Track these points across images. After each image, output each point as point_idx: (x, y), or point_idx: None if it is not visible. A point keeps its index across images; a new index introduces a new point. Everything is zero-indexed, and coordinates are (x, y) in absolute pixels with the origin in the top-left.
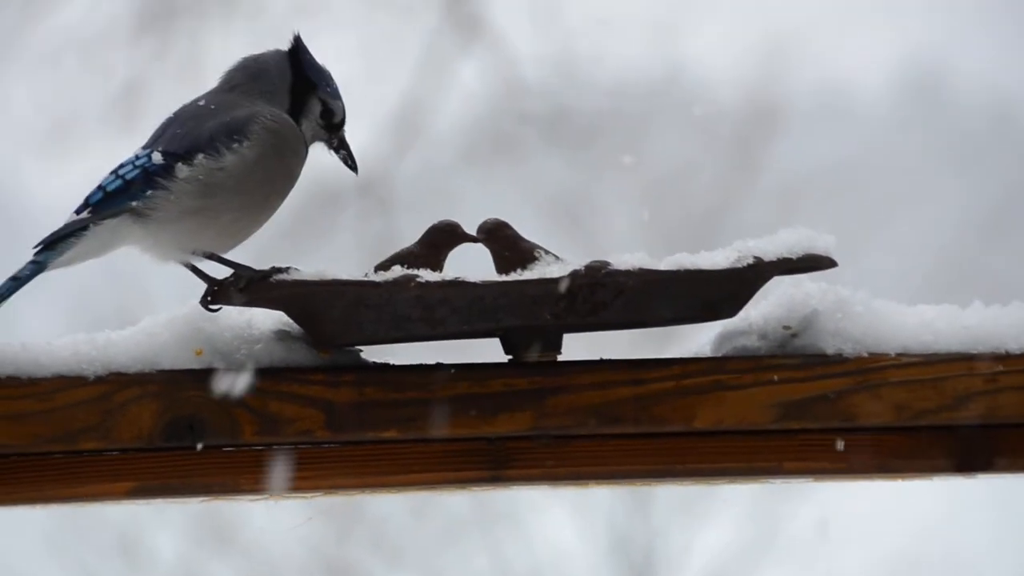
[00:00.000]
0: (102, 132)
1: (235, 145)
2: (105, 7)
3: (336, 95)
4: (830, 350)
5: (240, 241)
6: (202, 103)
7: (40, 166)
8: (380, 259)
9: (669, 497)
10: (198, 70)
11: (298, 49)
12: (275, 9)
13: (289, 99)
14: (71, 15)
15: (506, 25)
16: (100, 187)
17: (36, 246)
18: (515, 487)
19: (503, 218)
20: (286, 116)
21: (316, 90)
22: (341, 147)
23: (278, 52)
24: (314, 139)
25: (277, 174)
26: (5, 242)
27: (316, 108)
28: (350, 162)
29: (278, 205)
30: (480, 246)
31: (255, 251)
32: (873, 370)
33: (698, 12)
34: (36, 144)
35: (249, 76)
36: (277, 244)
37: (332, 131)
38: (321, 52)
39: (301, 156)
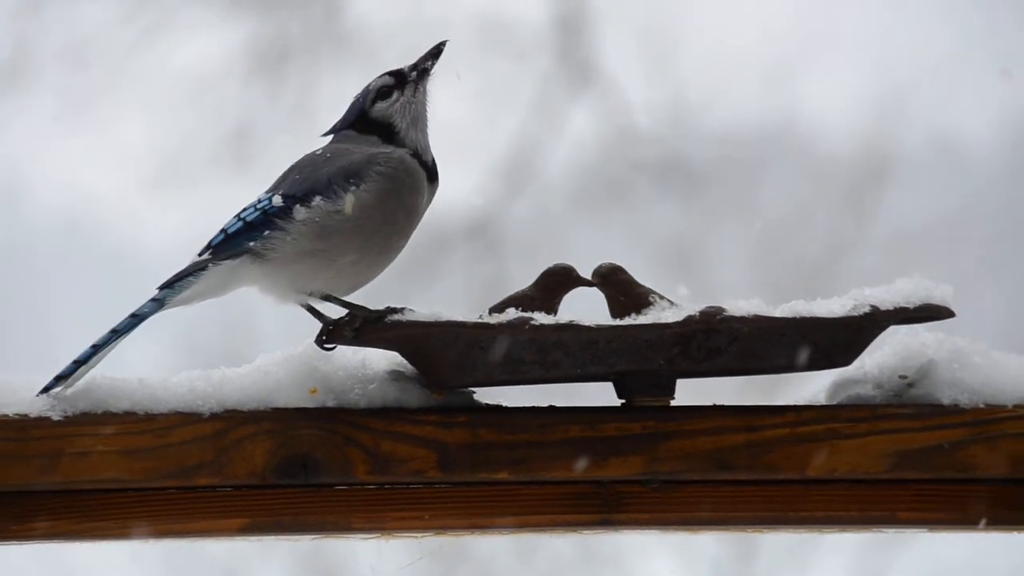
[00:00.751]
0: (213, 173)
1: (352, 188)
2: (220, 48)
3: (368, 88)
4: (946, 400)
5: (362, 284)
6: (319, 152)
7: (151, 204)
8: (489, 302)
9: (775, 544)
10: (310, 112)
11: (332, 131)
12: (387, 53)
13: (374, 136)
14: (186, 55)
15: (618, 71)
16: (222, 230)
17: (161, 286)
18: (625, 531)
19: (615, 263)
20: (402, 154)
21: (364, 112)
22: (417, 69)
23: (342, 119)
24: (412, 105)
25: (397, 214)
26: (117, 279)
27: (379, 107)
28: (433, 51)
29: (401, 245)
30: (595, 290)
31: (367, 292)
32: (990, 421)
33: (811, 59)
34: (148, 182)
35: (347, 137)
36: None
37: (405, 82)
38: (433, 95)
39: (422, 190)
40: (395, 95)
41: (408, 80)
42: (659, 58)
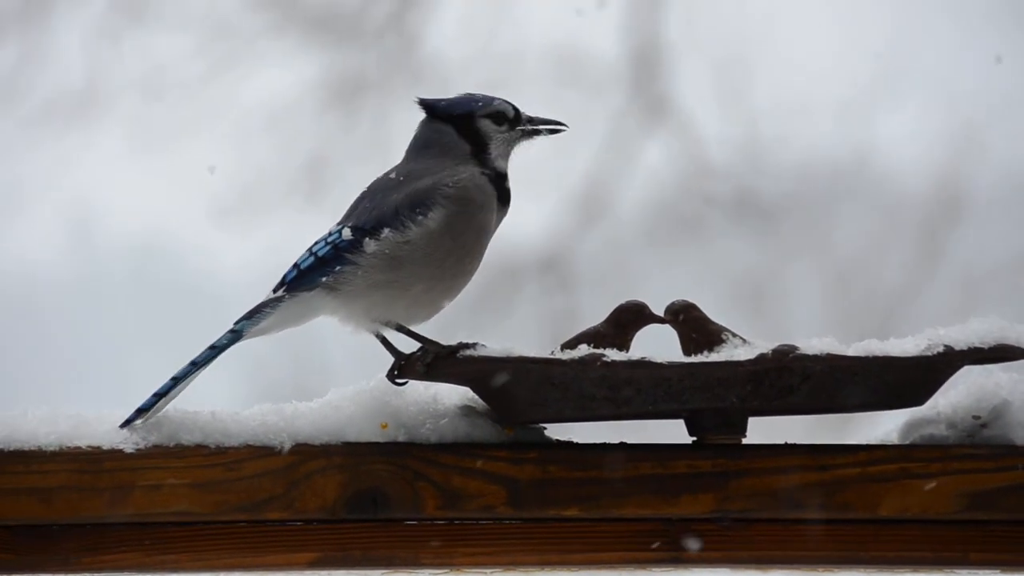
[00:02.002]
0: (287, 204)
1: (419, 217)
2: (294, 79)
3: (489, 101)
4: (1020, 441)
5: (438, 310)
6: (392, 175)
7: (224, 236)
8: (561, 337)
9: None
10: (383, 144)
11: (429, 107)
12: (463, 87)
13: (466, 144)
14: (260, 86)
15: (692, 106)
16: (296, 265)
17: (237, 321)
18: (695, 569)
19: (688, 299)
20: (471, 172)
21: (472, 116)
22: (534, 124)
23: (423, 120)
24: (512, 145)
25: (467, 237)
26: (190, 311)
27: (487, 125)
28: (552, 126)
29: (474, 268)
30: (667, 327)
31: (439, 325)
32: None
33: (885, 95)
34: (221, 213)
35: (422, 145)
36: (459, 318)
37: (519, 124)
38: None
39: (492, 208)
40: (505, 126)
41: (521, 123)
42: (733, 93)
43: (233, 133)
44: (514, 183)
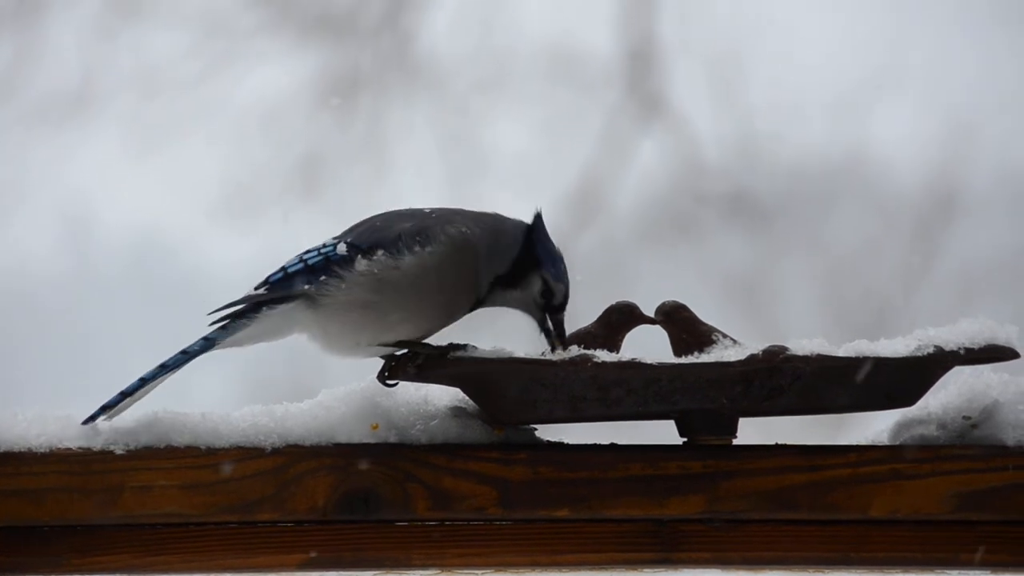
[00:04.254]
0: (282, 202)
1: (417, 248)
2: (289, 78)
3: (561, 278)
4: (1010, 442)
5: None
6: (427, 210)
7: (219, 234)
8: None
9: None
10: (379, 142)
11: (536, 225)
12: (457, 85)
13: (510, 267)
14: (255, 85)
15: (687, 104)
16: (283, 267)
17: (211, 313)
18: (685, 570)
19: (680, 299)
20: (474, 243)
21: (540, 267)
22: (556, 330)
23: (520, 223)
24: (526, 312)
25: (446, 288)
26: (185, 308)
27: (537, 284)
28: (559, 340)
29: (439, 325)
30: (658, 328)
31: None
32: None
33: (880, 94)
34: (216, 211)
35: (490, 227)
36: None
37: (550, 312)
38: (502, 126)
39: (470, 288)
40: (542, 302)
41: (549, 316)
42: (728, 92)
43: (228, 131)
44: (509, 181)
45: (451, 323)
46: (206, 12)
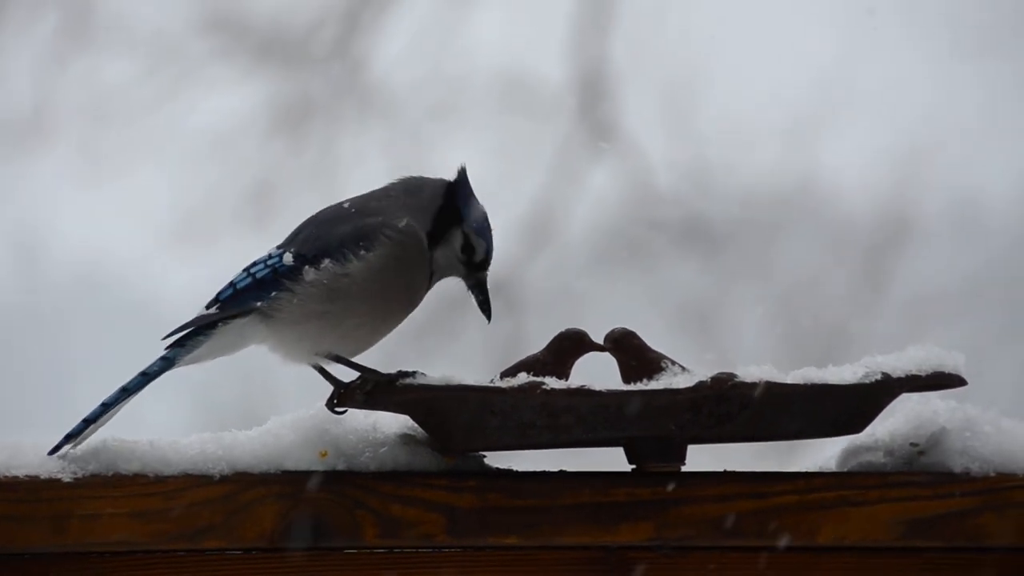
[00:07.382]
0: (233, 229)
1: (361, 252)
2: (241, 105)
3: (482, 233)
4: (957, 468)
5: (365, 348)
6: (346, 205)
7: (170, 260)
8: (507, 362)
9: None
10: (331, 169)
11: (459, 181)
12: (410, 112)
13: (432, 223)
14: (207, 112)
15: (639, 131)
16: (231, 283)
17: (165, 337)
18: None
19: (631, 325)
20: (416, 231)
21: (462, 223)
22: (477, 289)
23: (441, 180)
24: (449, 270)
25: (399, 285)
26: (136, 335)
27: (457, 240)
28: (484, 308)
29: (401, 318)
30: (607, 355)
31: (382, 353)
32: (1001, 490)
33: (831, 121)
34: (168, 238)
35: (405, 189)
36: (403, 346)
37: (471, 269)
38: (454, 153)
39: (423, 273)
40: (464, 257)
41: (475, 272)
42: (679, 119)
43: (180, 157)
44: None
45: (414, 309)
46: (158, 38)
